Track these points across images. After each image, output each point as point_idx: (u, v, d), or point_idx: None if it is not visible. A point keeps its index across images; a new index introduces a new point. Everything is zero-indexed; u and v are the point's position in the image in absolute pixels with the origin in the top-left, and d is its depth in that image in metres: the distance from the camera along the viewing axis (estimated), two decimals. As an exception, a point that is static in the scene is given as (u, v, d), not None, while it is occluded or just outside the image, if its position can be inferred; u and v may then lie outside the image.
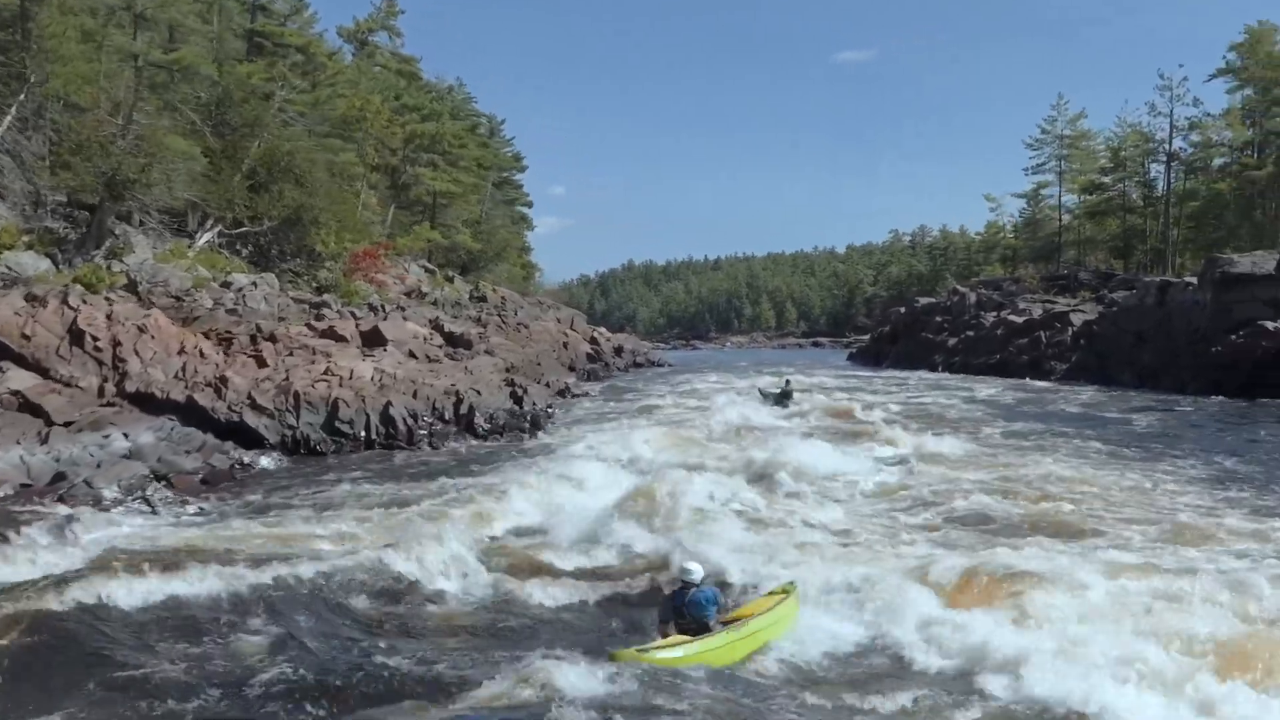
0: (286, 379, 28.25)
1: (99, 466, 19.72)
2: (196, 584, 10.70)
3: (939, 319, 70.62)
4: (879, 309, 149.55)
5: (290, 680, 8.24)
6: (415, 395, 29.97)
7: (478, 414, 30.27)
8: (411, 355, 38.94)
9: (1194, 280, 48.31)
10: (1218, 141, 68.98)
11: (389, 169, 58.85)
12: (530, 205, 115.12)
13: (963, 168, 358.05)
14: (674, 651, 9.61)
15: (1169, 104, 69.97)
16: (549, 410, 35.80)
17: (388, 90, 59.09)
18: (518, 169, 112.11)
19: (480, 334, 48.44)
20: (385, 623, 10.87)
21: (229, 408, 26.67)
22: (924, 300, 79.83)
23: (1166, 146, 71.61)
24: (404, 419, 28.14)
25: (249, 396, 27.30)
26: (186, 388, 26.97)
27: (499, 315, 58.25)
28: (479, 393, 33.20)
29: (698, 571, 10.64)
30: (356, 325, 39.48)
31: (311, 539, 13.86)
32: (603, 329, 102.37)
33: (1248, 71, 65.11)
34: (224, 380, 27.59)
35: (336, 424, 27.32)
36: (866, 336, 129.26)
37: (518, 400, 34.75)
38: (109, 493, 17.96)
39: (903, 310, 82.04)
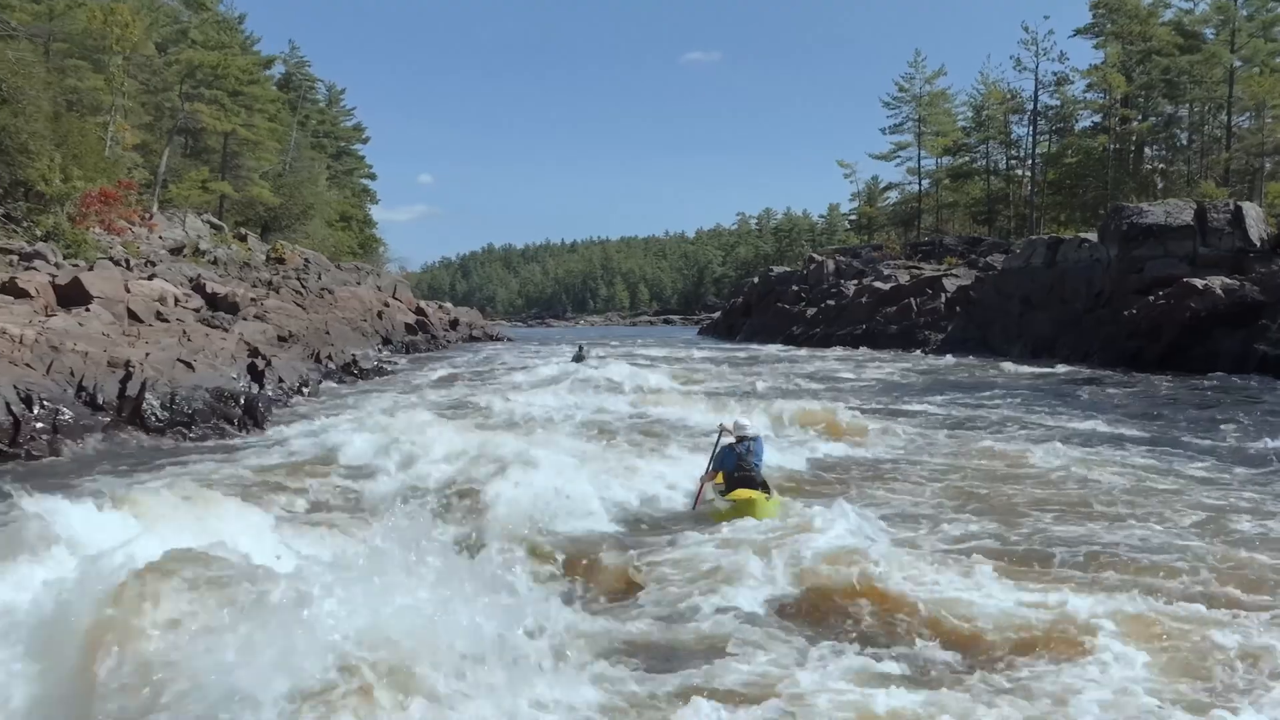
0: None
1: None
2: None
3: (796, 288, 60.94)
4: (728, 288, 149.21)
5: None
6: (50, 369, 18.13)
7: (150, 396, 18.51)
8: (133, 317, 27.56)
9: (1089, 236, 39.21)
10: (1087, 98, 60.14)
11: (170, 109, 46.22)
12: (374, 178, 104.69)
13: (806, 156, 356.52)
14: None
15: (1034, 59, 61.19)
16: (303, 389, 24.74)
17: (159, 13, 46.17)
18: (359, 140, 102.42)
19: (256, 298, 36.76)
20: None
21: None
22: (778, 270, 69.89)
23: (1032, 104, 62.68)
24: (9, 405, 16.35)
25: None
26: None
27: (298, 279, 46.28)
28: (191, 367, 21.75)
29: (752, 425, 11.55)
30: (53, 279, 27.72)
31: None
32: (448, 303, 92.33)
33: (1116, 24, 56.37)
34: None
35: (-115, 415, 15.45)
36: (717, 313, 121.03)
37: (257, 377, 23.55)
38: None
39: (756, 280, 72.08)
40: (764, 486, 10.53)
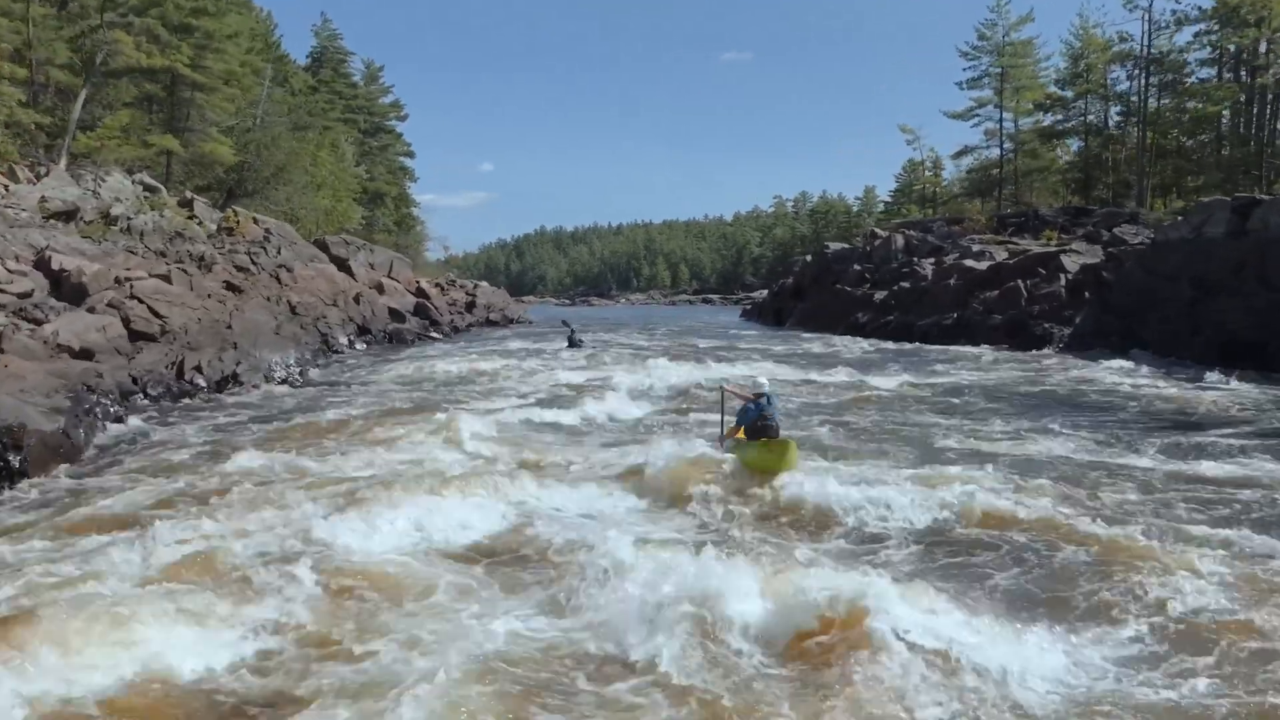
0: None
1: None
2: None
3: (858, 268, 46.19)
4: (766, 268, 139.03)
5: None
6: None
7: None
8: None
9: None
10: (1219, 35, 43.79)
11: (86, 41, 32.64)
12: (412, 155, 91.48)
13: (838, 143, 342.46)
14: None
15: (1148, -6, 45.29)
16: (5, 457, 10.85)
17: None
18: (396, 116, 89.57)
19: (131, 278, 23.13)
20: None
21: None
22: (835, 246, 54.86)
23: (1144, 49, 46.85)
24: None
25: None
26: None
27: (248, 254, 32.65)
28: None
29: (767, 382, 11.54)
30: None
31: None
32: (484, 282, 79.80)
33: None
34: None
35: None
36: (756, 293, 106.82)
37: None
38: None
39: (809, 259, 57.25)
40: (776, 431, 10.66)
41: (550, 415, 15.56)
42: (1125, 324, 28.81)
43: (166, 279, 24.96)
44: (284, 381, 20.14)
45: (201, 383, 18.80)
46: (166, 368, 19.15)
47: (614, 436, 14.05)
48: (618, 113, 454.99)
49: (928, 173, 66.43)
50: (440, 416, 14.16)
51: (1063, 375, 22.53)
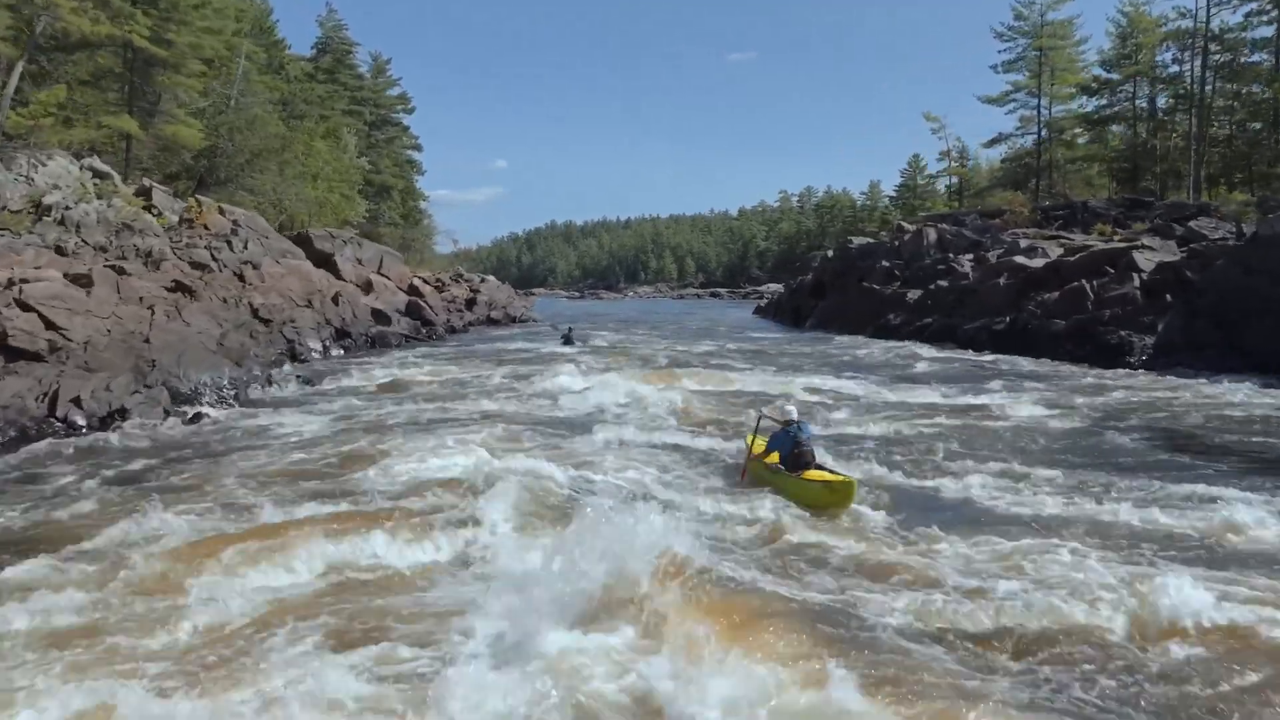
0: None
1: None
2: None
3: (886, 264, 40.66)
4: (772, 261, 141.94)
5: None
6: None
7: None
8: None
9: None
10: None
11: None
12: (420, 149, 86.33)
13: (840, 141, 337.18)
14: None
15: (1209, -36, 39.57)
16: None
17: None
18: (404, 109, 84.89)
19: (27, 278, 17.87)
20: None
21: None
22: (859, 241, 49.17)
23: (1203, 25, 41.03)
24: None
25: None
26: None
27: (209, 249, 27.45)
28: None
29: (795, 409, 10.55)
30: None
31: None
32: (491, 277, 75.07)
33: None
34: None
35: None
36: (765, 287, 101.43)
37: None
38: None
39: (830, 254, 51.61)
40: (816, 461, 9.73)
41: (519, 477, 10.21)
42: (1222, 332, 23.47)
43: (86, 280, 19.80)
44: (194, 418, 14.80)
45: (80, 420, 13.66)
46: (37, 400, 14.00)
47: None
48: (623, 110, 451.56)
49: (954, 162, 60.63)
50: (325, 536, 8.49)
51: (1204, 401, 17.03)
